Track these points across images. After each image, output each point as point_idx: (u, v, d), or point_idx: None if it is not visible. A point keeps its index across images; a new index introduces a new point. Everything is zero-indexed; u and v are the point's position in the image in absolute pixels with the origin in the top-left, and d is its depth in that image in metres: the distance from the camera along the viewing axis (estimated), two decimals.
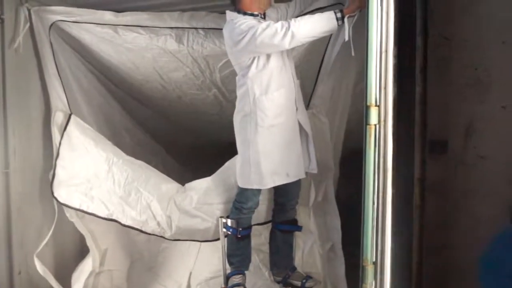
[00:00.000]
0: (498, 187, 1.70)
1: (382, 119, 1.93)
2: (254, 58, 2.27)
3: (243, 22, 2.22)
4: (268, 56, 2.28)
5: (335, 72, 2.55)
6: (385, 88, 1.92)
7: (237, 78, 2.42)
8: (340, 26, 2.21)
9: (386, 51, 1.89)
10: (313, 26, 2.12)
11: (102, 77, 3.24)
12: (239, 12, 2.31)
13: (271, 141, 2.33)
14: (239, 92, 2.40)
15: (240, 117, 2.40)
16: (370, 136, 1.96)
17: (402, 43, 1.78)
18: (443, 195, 1.79)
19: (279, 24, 2.13)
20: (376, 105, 1.92)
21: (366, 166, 1.96)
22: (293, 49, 2.37)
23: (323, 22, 2.11)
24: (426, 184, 1.79)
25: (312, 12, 2.30)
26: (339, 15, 2.10)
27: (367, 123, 1.95)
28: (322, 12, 2.18)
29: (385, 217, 1.94)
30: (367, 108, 1.94)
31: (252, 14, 2.29)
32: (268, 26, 2.15)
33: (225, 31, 2.36)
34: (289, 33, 2.10)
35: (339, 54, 2.48)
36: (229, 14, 2.35)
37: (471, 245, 1.70)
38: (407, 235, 1.82)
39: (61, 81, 2.96)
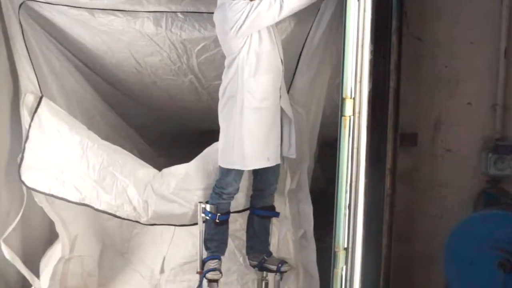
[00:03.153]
0: (462, 178, 1.83)
1: (356, 111, 2.02)
2: (246, 40, 2.32)
3: (236, 3, 2.30)
4: (260, 40, 2.35)
5: (314, 65, 2.61)
6: (360, 81, 2.00)
7: (226, 61, 2.44)
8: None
9: (363, 46, 1.97)
10: None
11: (75, 60, 3.15)
12: None
13: (256, 124, 2.39)
14: (226, 74, 2.44)
15: (226, 98, 2.44)
16: (344, 127, 2.05)
17: (378, 41, 1.86)
18: (412, 185, 1.90)
19: None
20: (351, 97, 2.01)
21: (340, 155, 2.04)
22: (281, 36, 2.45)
23: None
24: (396, 174, 1.89)
25: None
26: None
27: (342, 114, 2.03)
28: None
29: (357, 205, 2.04)
30: (343, 100, 2.03)
31: None
32: (261, 1, 2.27)
33: (217, 15, 2.40)
34: (282, 4, 2.24)
35: (318, 46, 2.55)
36: None
37: (437, 233, 1.82)
38: (378, 222, 1.93)
39: (32, 63, 2.87)
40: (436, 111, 1.86)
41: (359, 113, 2.03)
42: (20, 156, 2.85)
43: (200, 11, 2.69)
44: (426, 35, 1.84)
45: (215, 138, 2.65)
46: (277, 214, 2.68)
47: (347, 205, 2.05)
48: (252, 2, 2.27)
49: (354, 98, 2.01)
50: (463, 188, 1.82)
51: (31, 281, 3.01)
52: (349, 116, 2.03)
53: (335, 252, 2.07)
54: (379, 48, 1.87)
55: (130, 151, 3.00)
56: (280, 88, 2.46)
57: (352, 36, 1.97)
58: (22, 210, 2.94)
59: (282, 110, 2.49)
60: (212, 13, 2.52)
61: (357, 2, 1.96)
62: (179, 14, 2.71)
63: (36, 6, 2.80)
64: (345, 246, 2.05)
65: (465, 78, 1.83)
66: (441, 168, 1.86)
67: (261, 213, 2.63)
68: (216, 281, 2.53)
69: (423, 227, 1.87)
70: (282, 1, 2.23)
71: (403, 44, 1.85)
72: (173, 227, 3.08)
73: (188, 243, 3.01)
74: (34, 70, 2.88)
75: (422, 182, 1.89)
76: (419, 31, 1.87)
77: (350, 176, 2.03)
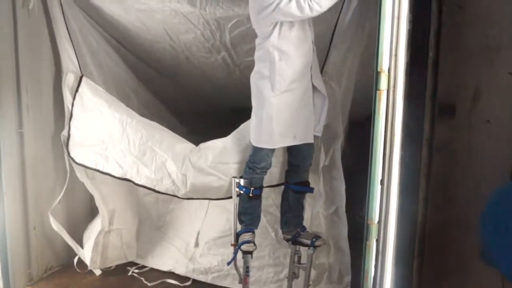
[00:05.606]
0: (501, 149, 1.80)
1: (391, 84, 2.01)
2: (276, 25, 2.34)
3: None
4: (292, 25, 2.35)
5: (347, 39, 2.60)
6: (396, 54, 1.99)
7: (257, 40, 2.47)
8: None
9: (399, 17, 1.95)
10: None
11: (111, 39, 3.25)
12: None
13: (285, 104, 2.42)
14: (257, 54, 2.47)
15: (257, 78, 2.47)
16: (379, 101, 2.04)
17: (417, 10, 1.84)
18: (450, 155, 1.89)
19: None
20: (386, 71, 2.00)
21: (374, 130, 2.05)
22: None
23: None
24: (434, 144, 1.89)
25: None
26: None
27: (377, 88, 2.03)
28: None
29: (391, 178, 2.05)
30: (378, 73, 2.02)
31: None
32: None
33: None
34: (313, 3, 2.22)
35: (351, 21, 2.53)
36: None
37: (474, 203, 1.81)
38: (414, 192, 1.94)
39: (72, 43, 2.98)
40: (475, 81, 1.83)
41: (394, 86, 2.02)
42: (65, 133, 2.99)
43: None
44: (466, 3, 1.81)
45: (246, 117, 2.70)
46: (311, 190, 2.71)
47: (380, 180, 2.06)
48: None
49: (389, 71, 2.00)
50: (501, 159, 1.80)
51: (76, 250, 3.20)
52: (384, 90, 2.03)
53: (367, 225, 2.10)
54: (419, 17, 1.86)
55: None
56: (312, 68, 2.46)
57: (388, 8, 1.95)
58: (66, 185, 3.11)
59: (314, 88, 2.51)
60: None
61: None
62: None
63: None
64: (378, 219, 2.07)
65: (506, 47, 1.78)
66: (479, 139, 1.83)
67: (296, 188, 2.67)
68: (251, 252, 2.59)
69: (459, 197, 1.87)
70: (312, 2, 2.20)
71: (443, 12, 1.83)
72: (207, 203, 3.18)
73: (221, 219, 3.09)
74: (75, 50, 3.00)
75: (459, 153, 1.87)
76: None
77: (383, 150, 2.04)
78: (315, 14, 2.27)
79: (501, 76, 1.79)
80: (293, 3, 2.23)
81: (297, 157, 2.62)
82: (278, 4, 2.24)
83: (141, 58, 3.37)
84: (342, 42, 2.61)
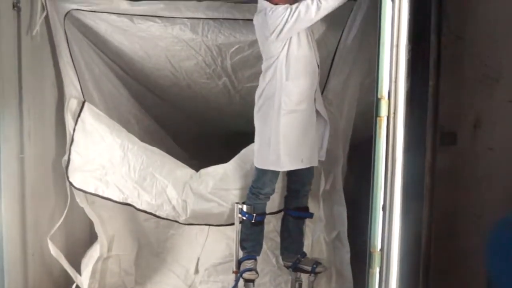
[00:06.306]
0: (504, 177, 1.80)
1: (392, 111, 2.02)
2: (285, 44, 2.38)
3: (276, 8, 2.36)
4: (299, 44, 2.40)
5: (347, 66, 2.64)
6: (395, 81, 2.01)
7: (263, 65, 2.50)
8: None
9: (398, 45, 1.98)
10: None
11: (113, 65, 3.28)
12: (270, 2, 2.42)
13: (292, 126, 2.45)
14: (264, 77, 2.49)
15: (262, 100, 2.50)
16: (380, 127, 2.05)
17: (417, 40, 1.87)
18: (452, 184, 1.89)
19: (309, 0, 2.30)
20: (386, 98, 2.02)
21: (375, 156, 2.05)
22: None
23: None
24: (436, 173, 1.89)
25: None
26: None
27: (377, 115, 2.04)
28: None
29: (393, 205, 2.04)
30: (378, 100, 2.03)
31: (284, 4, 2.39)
32: (299, 4, 2.32)
33: (257, 20, 2.47)
34: (320, 5, 2.28)
35: (351, 48, 2.57)
36: (261, 3, 2.44)
37: (478, 231, 1.80)
38: (417, 221, 1.92)
39: (75, 69, 3.01)
40: (476, 108, 1.85)
41: (394, 113, 2.03)
42: (65, 158, 2.99)
43: (236, 17, 2.78)
44: (466, 33, 1.84)
45: (246, 140, 2.71)
46: (311, 215, 2.71)
47: (382, 206, 2.05)
48: (291, 6, 2.32)
49: (389, 98, 2.02)
50: (504, 186, 1.79)
51: (73, 277, 3.14)
52: (384, 117, 2.04)
53: (370, 253, 2.07)
54: (418, 47, 1.89)
55: None
56: (316, 91, 2.50)
57: (387, 36, 1.99)
58: (66, 210, 3.08)
59: (317, 113, 2.53)
60: (248, 20, 2.60)
61: (391, 3, 1.97)
62: (215, 21, 2.80)
63: (80, 15, 2.95)
64: (380, 247, 2.05)
65: (506, 76, 1.80)
66: (481, 167, 1.84)
67: (295, 214, 2.67)
68: (253, 281, 2.57)
69: (463, 225, 1.86)
70: (319, 1, 2.27)
71: (443, 43, 1.86)
72: (207, 229, 3.15)
73: (221, 245, 3.06)
74: (77, 76, 3.03)
75: (461, 181, 1.87)
76: (459, 29, 1.86)
77: (384, 176, 2.03)
78: (322, 14, 2.31)
79: (501, 104, 1.80)
80: (302, 7, 2.28)
81: (297, 182, 2.62)
82: (289, 13, 2.29)
83: (142, 84, 3.40)
84: (342, 69, 2.65)
